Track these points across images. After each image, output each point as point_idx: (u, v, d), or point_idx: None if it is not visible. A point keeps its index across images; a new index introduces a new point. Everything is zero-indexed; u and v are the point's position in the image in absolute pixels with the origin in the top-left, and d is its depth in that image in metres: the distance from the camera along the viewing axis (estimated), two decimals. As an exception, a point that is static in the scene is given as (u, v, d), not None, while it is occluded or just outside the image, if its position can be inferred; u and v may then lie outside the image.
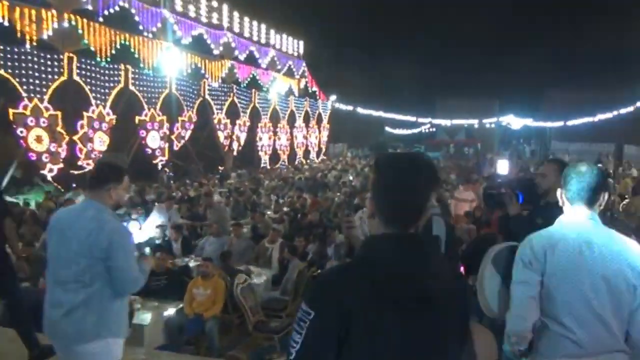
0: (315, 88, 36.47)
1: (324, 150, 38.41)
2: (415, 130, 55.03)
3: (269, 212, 13.46)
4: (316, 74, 36.66)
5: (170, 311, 6.86)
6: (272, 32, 29.34)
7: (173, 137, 21.98)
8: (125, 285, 3.18)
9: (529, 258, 2.56)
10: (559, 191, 2.67)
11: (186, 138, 22.87)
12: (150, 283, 7.29)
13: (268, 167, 29.30)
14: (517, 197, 3.84)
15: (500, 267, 2.84)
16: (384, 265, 1.51)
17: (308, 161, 34.04)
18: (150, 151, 20.82)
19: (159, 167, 21.30)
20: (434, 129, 53.91)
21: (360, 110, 43.18)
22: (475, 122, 49.87)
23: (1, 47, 14.44)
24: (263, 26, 28.41)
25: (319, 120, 37.36)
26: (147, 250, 3.61)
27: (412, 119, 52.60)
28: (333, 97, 39.04)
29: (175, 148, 22.34)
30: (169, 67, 20.75)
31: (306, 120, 35.13)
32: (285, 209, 13.82)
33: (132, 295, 7.31)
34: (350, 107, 41.50)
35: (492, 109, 51.60)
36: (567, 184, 2.62)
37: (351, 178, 21.82)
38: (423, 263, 1.55)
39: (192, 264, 8.30)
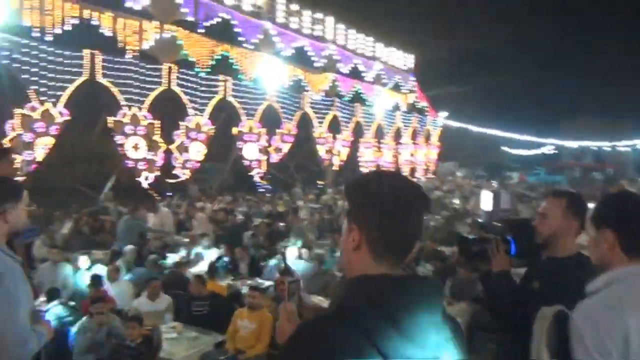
0: (424, 103, 34.88)
1: (432, 168, 36.56)
2: (536, 152, 51.16)
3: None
4: (426, 89, 35.09)
5: (209, 344, 5.98)
6: (378, 45, 28.33)
7: (271, 149, 21.66)
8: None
9: (600, 347, 1.58)
10: (608, 235, 1.72)
11: (284, 151, 22.47)
12: (192, 309, 6.51)
13: (370, 184, 28.09)
14: (508, 246, 2.52)
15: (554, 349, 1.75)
16: (390, 317, 1.22)
17: (414, 180, 32.36)
18: (247, 163, 20.63)
19: (256, 179, 21.05)
20: (557, 151, 49.67)
21: (473, 128, 40.75)
22: (606, 144, 45.08)
23: (103, 57, 14.78)
24: (370, 39, 27.52)
25: (428, 138, 35.62)
26: (45, 312, 2.70)
27: (532, 138, 48.90)
28: (444, 114, 37.15)
29: (273, 160, 22.00)
30: (269, 78, 20.49)
31: (413, 137, 33.60)
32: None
33: (173, 321, 6.65)
34: (462, 125, 39.27)
35: (627, 130, 46.35)
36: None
37: (457, 201, 20.07)
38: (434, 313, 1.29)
39: (244, 290, 7.41)
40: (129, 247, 8.51)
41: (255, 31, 19.71)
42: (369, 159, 28.79)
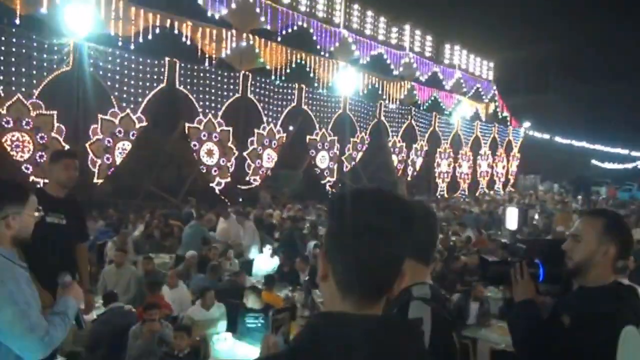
0: (506, 113, 33.49)
1: (512, 181, 35.00)
2: (628, 165, 47.80)
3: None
4: (508, 98, 33.69)
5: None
6: (458, 52, 27.52)
7: (343, 158, 21.53)
8: (19, 345, 2.22)
9: None
10: None
11: (357, 160, 22.25)
12: (245, 320, 6.42)
13: (446, 195, 27.37)
14: (536, 271, 2.12)
15: None
16: None
17: (492, 192, 31.17)
18: (318, 171, 20.61)
19: (327, 187, 20.98)
20: (653, 165, 46.17)
21: (559, 139, 38.66)
22: None
23: (182, 64, 15.25)
24: (447, 46, 26.80)
25: (509, 149, 34.15)
26: (68, 277, 2.59)
27: (624, 151, 45.74)
28: (527, 124, 35.50)
29: (345, 169, 21.85)
30: (344, 86, 20.39)
31: (493, 147, 32.31)
32: (439, 246, 12.11)
33: (226, 331, 6.60)
34: (546, 136, 37.35)
35: None
36: None
37: (536, 216, 18.99)
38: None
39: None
40: (190, 252, 8.60)
41: (332, 39, 19.69)
42: (445, 170, 27.99)
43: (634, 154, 46.30)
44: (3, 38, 11.74)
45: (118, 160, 14.13)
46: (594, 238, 2.04)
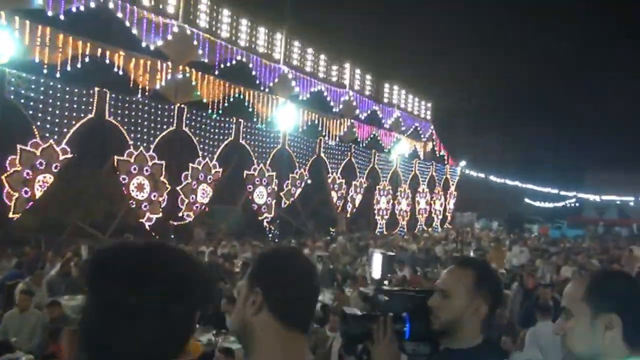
0: (443, 152, 34.35)
1: (449, 218, 35.67)
2: (558, 204, 49.87)
3: (361, 288, 11.63)
4: (445, 138, 34.63)
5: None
6: (397, 92, 28.11)
7: (282, 194, 21.22)
8: None
9: None
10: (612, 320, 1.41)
11: (296, 196, 21.99)
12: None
13: (385, 232, 27.45)
14: (402, 327, 1.80)
15: None
16: None
17: (430, 230, 31.57)
18: (256, 207, 20.19)
19: (264, 223, 20.55)
20: (579, 204, 48.39)
21: (493, 178, 39.92)
22: (631, 199, 43.82)
23: (113, 95, 14.66)
24: (387, 86, 27.34)
25: (446, 187, 34.92)
26: None
27: (555, 191, 47.77)
28: (463, 163, 36.50)
29: (284, 205, 21.52)
30: (283, 122, 20.25)
31: (431, 185, 32.94)
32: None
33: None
34: (482, 175, 38.49)
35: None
36: None
37: (471, 253, 19.21)
38: None
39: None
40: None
41: (272, 75, 19.61)
42: (384, 207, 28.15)
43: (563, 193, 48.42)
44: None
45: (38, 194, 13.24)
46: (463, 294, 1.77)
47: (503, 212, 44.68)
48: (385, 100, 27.35)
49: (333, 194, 24.32)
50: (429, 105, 31.67)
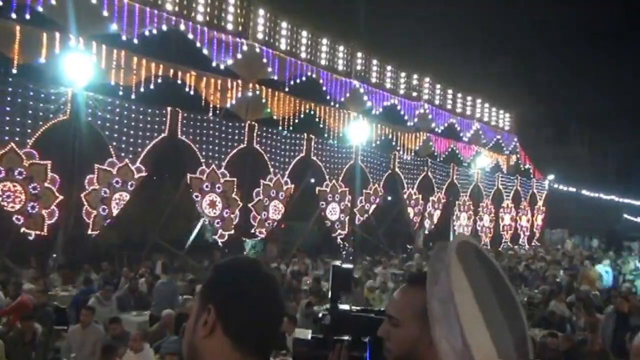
0: (528, 165, 32.52)
1: (537, 235, 33.58)
2: (664, 220, 45.72)
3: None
4: (531, 150, 32.80)
5: None
6: (472, 102, 26.96)
7: (355, 210, 20.81)
8: None
9: None
10: None
11: (370, 212, 21.49)
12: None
13: (466, 250, 26.11)
14: (361, 354, 1.45)
15: None
16: None
17: (516, 247, 29.80)
18: (329, 223, 19.90)
19: (338, 240, 20.22)
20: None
21: (586, 192, 37.28)
22: None
23: (185, 114, 15.00)
24: (464, 97, 26.31)
25: (533, 202, 32.95)
26: None
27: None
28: (551, 177, 34.38)
29: (358, 222, 21.08)
30: (355, 137, 19.92)
31: (516, 200, 31.19)
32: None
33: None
34: (572, 189, 36.06)
35: None
36: None
37: (561, 273, 17.79)
38: None
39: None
40: (167, 311, 7.91)
41: (343, 89, 19.39)
42: (464, 223, 26.94)
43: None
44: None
45: (115, 212, 13.68)
46: (413, 321, 1.33)
47: (598, 229, 41.55)
48: (463, 111, 26.30)
49: (409, 209, 23.58)
50: (511, 116, 30.15)
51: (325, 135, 19.10)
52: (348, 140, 19.94)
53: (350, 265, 1.96)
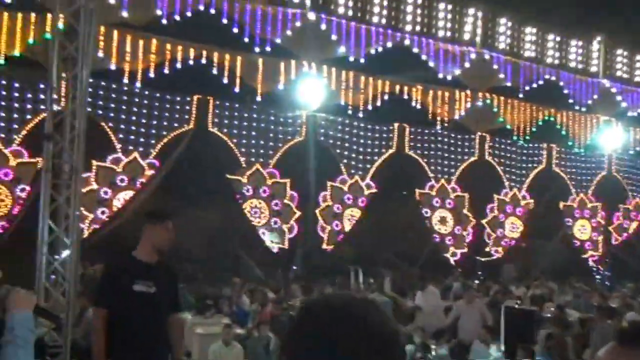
0: None
1: None
2: None
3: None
4: None
5: None
6: None
7: (611, 228, 18.06)
8: None
9: None
10: None
11: (631, 230, 18.43)
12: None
13: None
14: None
15: None
16: None
17: None
18: (578, 243, 17.61)
19: (590, 263, 17.74)
20: None
21: None
22: None
23: (412, 129, 14.86)
24: None
25: None
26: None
27: None
28: None
29: (615, 242, 18.25)
30: (608, 144, 17.39)
31: None
32: None
33: None
34: None
35: None
36: None
37: None
38: None
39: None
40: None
41: (588, 91, 17.13)
42: None
43: None
44: (245, 114, 13.04)
45: (347, 227, 14.13)
46: None
47: None
48: None
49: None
50: None
51: (570, 143, 17.06)
52: (598, 148, 17.50)
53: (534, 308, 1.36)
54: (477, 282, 13.62)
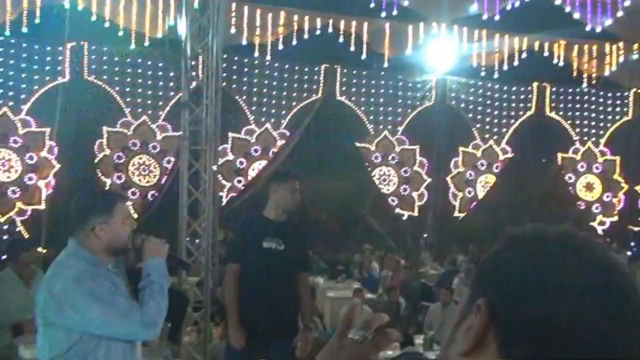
0: None
1: None
2: None
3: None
4: None
5: None
6: None
7: None
8: (122, 332, 2.22)
9: None
10: None
11: None
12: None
13: None
14: None
15: None
16: None
17: None
18: None
19: None
20: None
21: None
22: None
23: (554, 88, 13.72)
24: None
25: None
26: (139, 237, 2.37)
27: None
28: None
29: None
30: None
31: None
32: None
33: None
34: None
35: None
36: None
37: None
38: None
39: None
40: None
41: None
42: None
43: None
44: (373, 81, 12.90)
45: (480, 194, 13.54)
46: None
47: None
48: None
49: None
50: None
51: None
52: None
53: None
54: (629, 253, 12.38)
